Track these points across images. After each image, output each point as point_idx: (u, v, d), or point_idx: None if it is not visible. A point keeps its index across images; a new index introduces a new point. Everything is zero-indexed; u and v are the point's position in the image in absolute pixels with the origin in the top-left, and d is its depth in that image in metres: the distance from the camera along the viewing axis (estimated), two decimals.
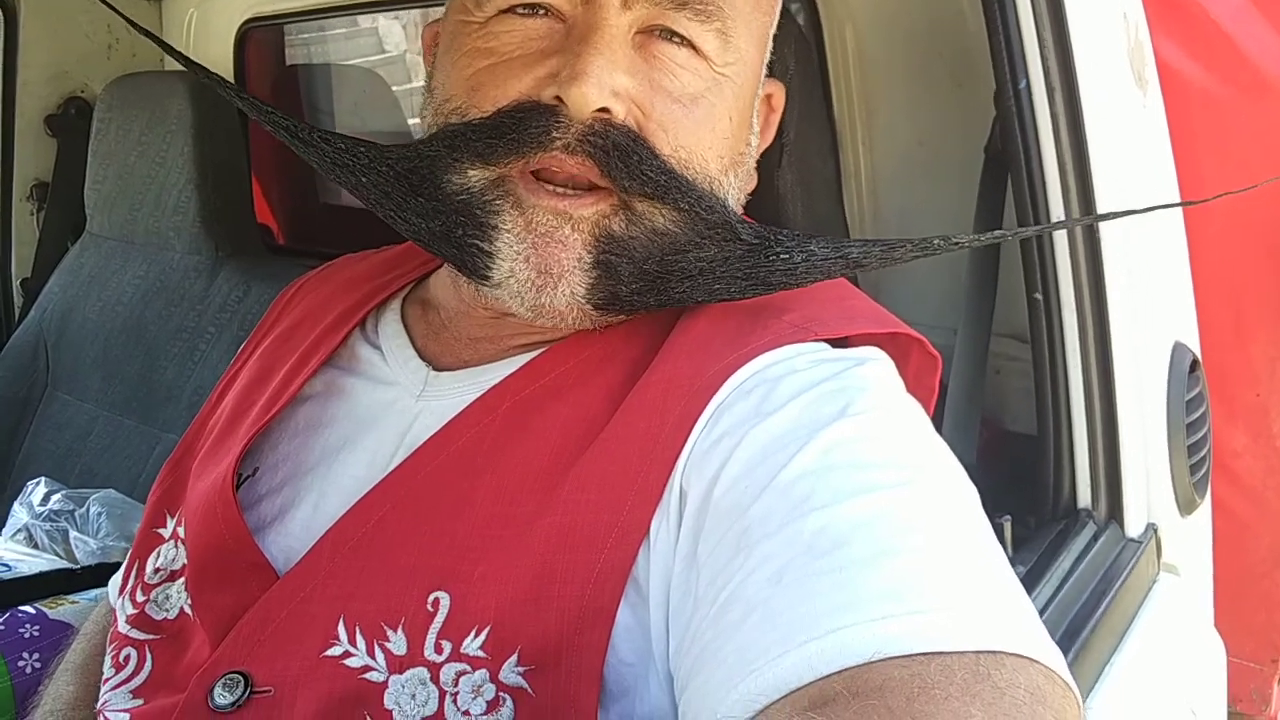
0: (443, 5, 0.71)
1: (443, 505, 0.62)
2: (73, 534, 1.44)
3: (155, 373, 1.74)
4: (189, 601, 0.68)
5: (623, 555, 0.57)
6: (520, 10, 0.64)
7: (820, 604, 0.47)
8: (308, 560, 0.63)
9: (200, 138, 1.70)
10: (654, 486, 0.58)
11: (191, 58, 1.99)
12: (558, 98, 0.61)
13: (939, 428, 1.08)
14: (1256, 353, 1.50)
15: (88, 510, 1.48)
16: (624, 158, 0.61)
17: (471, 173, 0.63)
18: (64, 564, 1.38)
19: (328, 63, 2.21)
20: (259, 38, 1.98)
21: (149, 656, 0.69)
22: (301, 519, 0.68)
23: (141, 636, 0.70)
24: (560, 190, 0.62)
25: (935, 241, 0.66)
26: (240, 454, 0.71)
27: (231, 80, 1.96)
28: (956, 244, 0.66)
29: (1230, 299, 1.45)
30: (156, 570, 0.73)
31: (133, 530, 1.45)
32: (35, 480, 1.57)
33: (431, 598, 0.58)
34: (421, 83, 0.76)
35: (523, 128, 0.61)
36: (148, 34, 0.83)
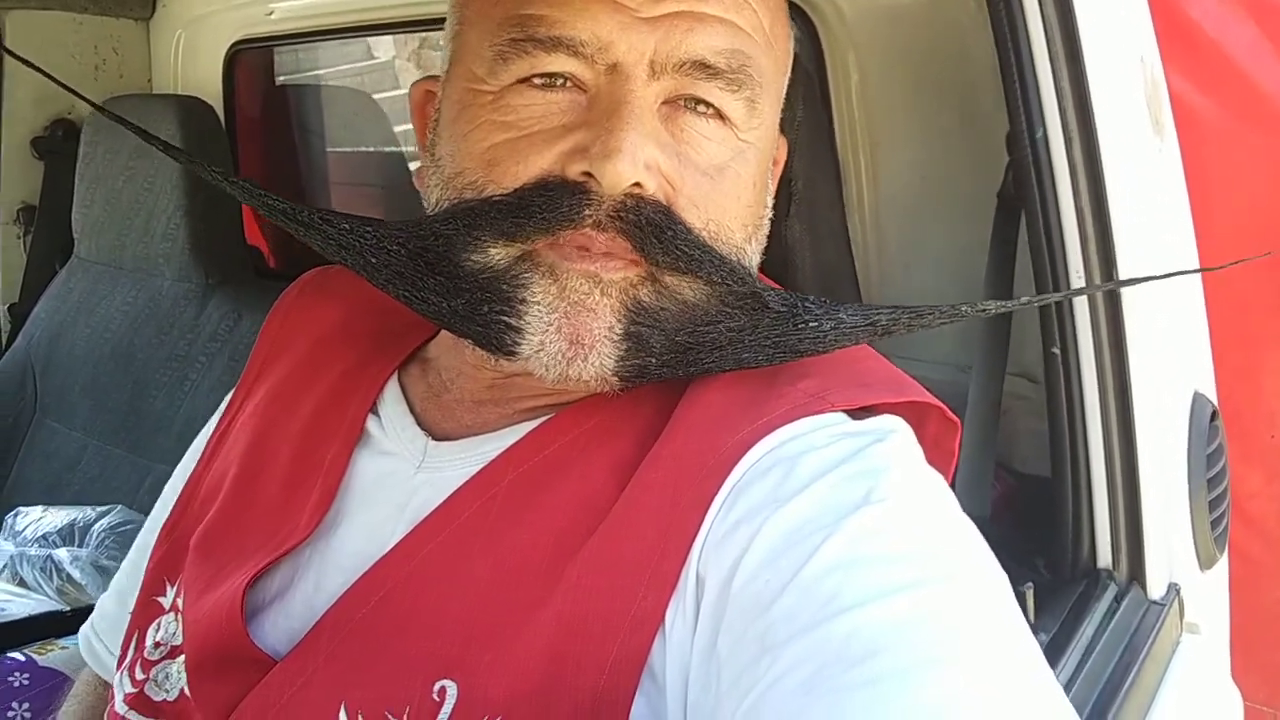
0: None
1: (445, 586, 0.59)
2: (61, 553, 1.40)
3: (145, 402, 1.71)
4: (188, 685, 0.65)
5: (638, 645, 0.54)
6: (537, 81, 0.60)
7: None
8: (306, 643, 0.60)
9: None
10: (669, 573, 0.55)
11: (178, 80, 1.96)
12: (587, 174, 0.58)
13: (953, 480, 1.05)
14: (1271, 393, 1.48)
15: (90, 525, 1.45)
16: (658, 233, 0.58)
17: (493, 250, 0.60)
18: (54, 605, 1.35)
19: (318, 83, 2.18)
20: (248, 59, 1.95)
21: None
22: (303, 598, 0.65)
23: (139, 719, 0.68)
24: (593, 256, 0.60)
25: (963, 309, 0.65)
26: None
27: (220, 102, 1.92)
28: (983, 310, 0.67)
29: (1243, 337, 1.43)
30: (157, 645, 0.70)
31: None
32: (13, 511, 1.54)
33: (438, 686, 0.56)
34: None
35: (552, 207, 0.58)
36: None
